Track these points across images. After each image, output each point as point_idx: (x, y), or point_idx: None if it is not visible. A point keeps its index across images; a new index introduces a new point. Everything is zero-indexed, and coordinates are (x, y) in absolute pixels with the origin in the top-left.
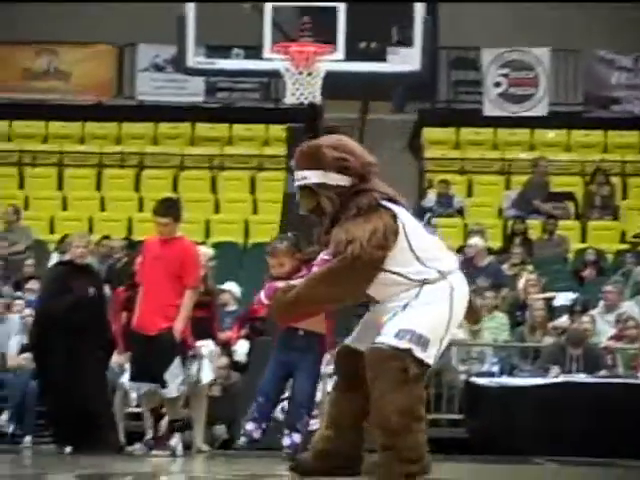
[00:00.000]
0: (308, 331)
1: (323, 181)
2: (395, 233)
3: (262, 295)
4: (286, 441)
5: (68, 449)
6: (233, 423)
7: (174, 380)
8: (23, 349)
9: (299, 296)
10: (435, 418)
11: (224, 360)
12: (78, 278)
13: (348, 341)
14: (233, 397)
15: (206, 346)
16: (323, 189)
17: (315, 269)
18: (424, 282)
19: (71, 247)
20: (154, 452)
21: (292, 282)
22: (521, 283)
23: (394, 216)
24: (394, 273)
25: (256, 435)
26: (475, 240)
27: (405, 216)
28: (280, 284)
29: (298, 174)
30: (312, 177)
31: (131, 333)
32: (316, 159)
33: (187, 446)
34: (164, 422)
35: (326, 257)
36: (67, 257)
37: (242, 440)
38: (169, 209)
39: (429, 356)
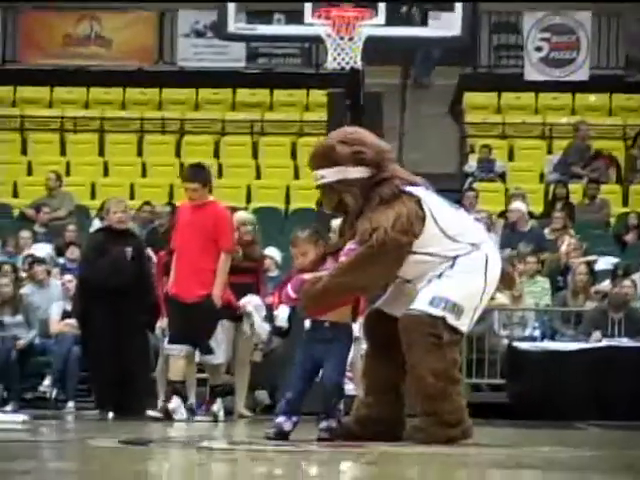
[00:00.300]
0: (333, 322)
1: (342, 177)
2: (422, 219)
3: (289, 289)
4: (322, 424)
5: (110, 414)
6: (275, 388)
7: (220, 346)
8: (65, 315)
9: (328, 286)
10: (477, 383)
11: (266, 326)
12: (117, 243)
13: (378, 304)
14: (274, 362)
15: (249, 302)
16: (343, 185)
17: (342, 259)
18: (457, 256)
19: (109, 213)
20: (197, 417)
21: (319, 274)
22: (563, 247)
23: (419, 202)
24: (426, 254)
25: (287, 427)
26: (517, 205)
27: (430, 199)
28: (307, 276)
29: (316, 174)
30: (330, 175)
31: (169, 299)
32: (331, 157)
33: (229, 411)
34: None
35: (352, 247)
36: (105, 223)
37: (272, 431)
38: (197, 174)
39: (463, 324)
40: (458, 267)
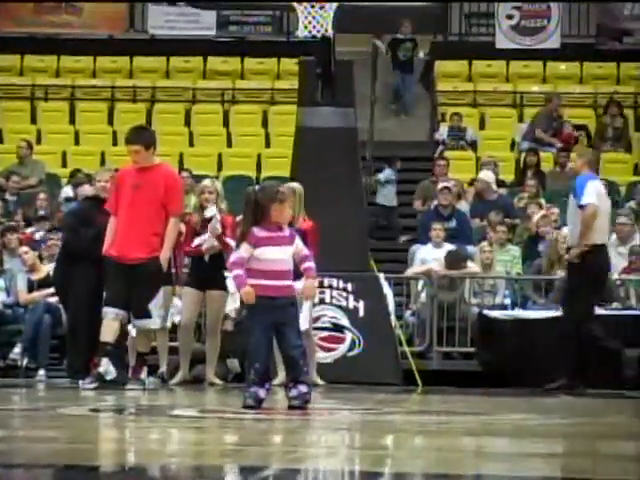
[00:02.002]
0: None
1: None
2: None
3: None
4: (292, 393)
5: (82, 382)
6: (245, 357)
7: (159, 311)
8: (30, 285)
9: None
10: (448, 351)
11: (236, 295)
12: (102, 212)
13: None
14: (245, 331)
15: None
16: None
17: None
18: None
19: (95, 182)
20: (128, 386)
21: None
22: (535, 216)
23: None
24: None
25: (262, 395)
26: (482, 174)
27: None
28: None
29: None
30: None
31: (109, 261)
32: None
33: (200, 379)
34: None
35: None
36: (91, 192)
37: (248, 401)
38: (139, 136)
39: None
40: None
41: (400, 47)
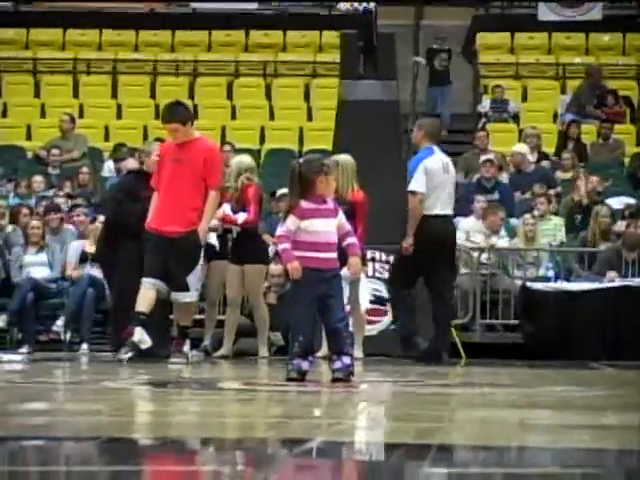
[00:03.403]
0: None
1: None
2: None
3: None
4: (337, 365)
5: (125, 356)
6: (289, 330)
7: (197, 284)
8: (83, 257)
9: None
10: (491, 323)
11: (278, 267)
12: (147, 186)
13: None
14: (288, 304)
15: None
16: None
17: None
18: None
19: (149, 155)
20: (171, 360)
21: None
22: (582, 187)
23: None
24: None
25: (305, 367)
26: (517, 147)
27: None
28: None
29: None
30: None
31: (149, 234)
32: None
33: (243, 353)
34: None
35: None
36: (136, 166)
37: (292, 374)
38: (174, 113)
39: None
40: None
41: (436, 57)
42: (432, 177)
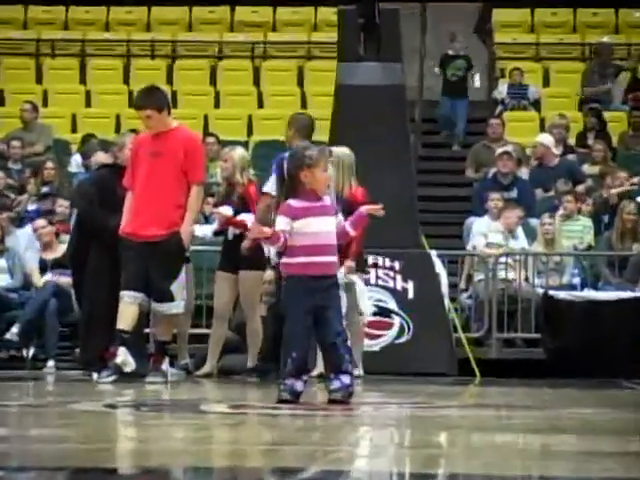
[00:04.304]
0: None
1: None
2: None
3: (348, 227)
4: (334, 384)
5: (95, 375)
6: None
7: (182, 293)
8: (42, 264)
9: None
10: (509, 337)
11: (270, 273)
12: (122, 182)
13: None
14: (282, 316)
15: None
16: None
17: None
18: None
19: (122, 149)
20: (148, 379)
21: None
22: (608, 182)
23: None
24: None
25: (299, 387)
26: (542, 137)
27: None
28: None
29: None
30: None
31: (125, 240)
32: None
33: (229, 371)
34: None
35: None
36: (111, 160)
37: (284, 395)
38: (149, 99)
39: None
40: None
41: (450, 65)
42: None
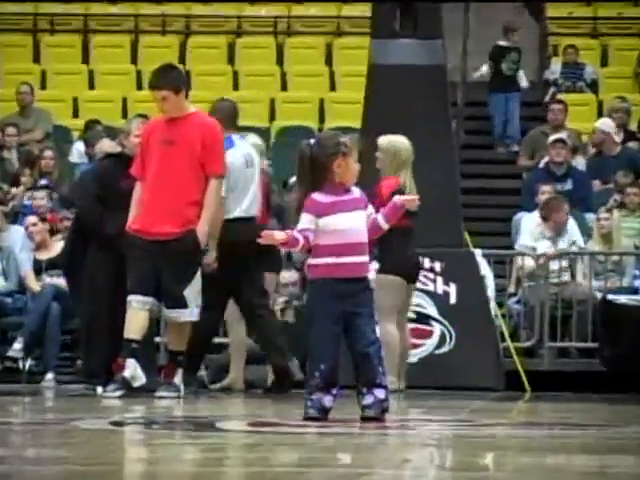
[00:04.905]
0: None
1: None
2: None
3: (380, 220)
4: (367, 400)
5: (100, 389)
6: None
7: (196, 299)
8: (37, 266)
9: None
10: (563, 347)
11: (292, 274)
12: (128, 174)
13: None
14: (308, 323)
15: None
16: None
17: None
18: None
19: (129, 136)
20: (159, 393)
21: None
22: None
23: None
24: None
25: (328, 403)
26: (602, 122)
27: None
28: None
29: None
30: None
31: (133, 238)
32: None
33: (252, 384)
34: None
35: None
36: (118, 148)
37: (311, 412)
38: (166, 78)
39: None
40: None
41: (505, 57)
42: (232, 173)
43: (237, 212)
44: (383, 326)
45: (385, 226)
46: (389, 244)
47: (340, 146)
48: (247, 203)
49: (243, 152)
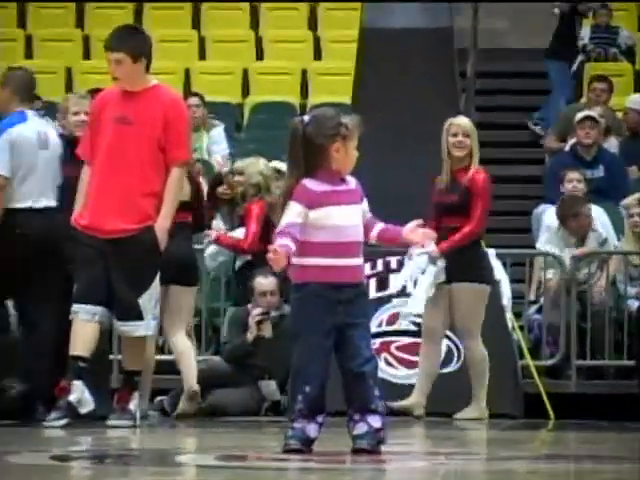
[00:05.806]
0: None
1: None
2: None
3: (373, 233)
4: (359, 429)
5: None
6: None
7: (153, 310)
8: None
9: None
10: (593, 366)
11: (269, 281)
12: (73, 160)
13: None
14: (290, 338)
15: None
16: None
17: None
18: None
19: (66, 115)
20: (111, 422)
21: None
22: None
23: None
24: None
25: (312, 433)
26: (635, 99)
27: None
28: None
29: None
30: None
31: (79, 236)
32: None
33: (217, 410)
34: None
35: None
36: (61, 130)
37: (292, 443)
38: (124, 40)
39: None
40: None
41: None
42: (22, 154)
43: (28, 201)
44: (474, 343)
45: (374, 240)
46: (478, 248)
47: (341, 127)
48: (41, 191)
49: (37, 129)
